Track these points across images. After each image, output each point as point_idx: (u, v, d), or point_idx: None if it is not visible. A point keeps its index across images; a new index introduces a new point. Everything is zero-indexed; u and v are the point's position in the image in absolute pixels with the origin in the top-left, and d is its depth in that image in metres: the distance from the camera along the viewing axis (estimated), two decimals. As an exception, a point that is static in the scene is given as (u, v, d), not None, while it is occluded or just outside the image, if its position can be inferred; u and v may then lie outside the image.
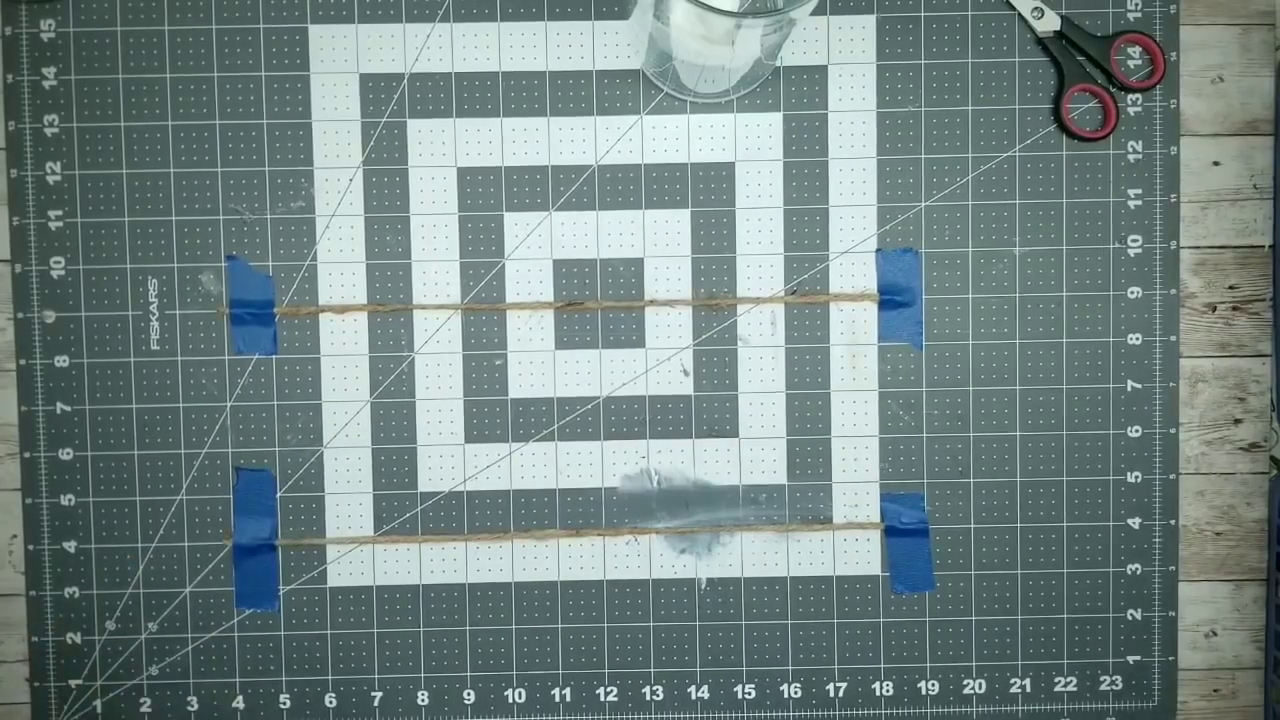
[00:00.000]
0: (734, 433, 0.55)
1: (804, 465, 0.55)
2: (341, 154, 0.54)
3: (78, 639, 0.54)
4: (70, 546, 0.54)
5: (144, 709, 0.55)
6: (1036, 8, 0.53)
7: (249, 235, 0.54)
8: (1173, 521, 0.55)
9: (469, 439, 0.55)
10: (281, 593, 0.55)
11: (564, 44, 0.54)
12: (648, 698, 0.55)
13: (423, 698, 0.55)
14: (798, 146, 0.54)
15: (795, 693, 0.55)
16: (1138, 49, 0.54)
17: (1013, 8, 0.54)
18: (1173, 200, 0.54)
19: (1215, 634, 0.56)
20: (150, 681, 0.55)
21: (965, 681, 0.55)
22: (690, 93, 0.53)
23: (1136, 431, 0.55)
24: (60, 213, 0.54)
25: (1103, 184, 0.54)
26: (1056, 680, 0.55)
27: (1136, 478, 0.55)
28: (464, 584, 0.55)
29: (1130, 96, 0.54)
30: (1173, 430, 0.55)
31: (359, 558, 0.55)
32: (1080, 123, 0.54)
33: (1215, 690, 0.56)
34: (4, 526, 0.55)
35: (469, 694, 0.55)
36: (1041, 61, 0.54)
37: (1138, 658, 0.55)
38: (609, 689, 0.55)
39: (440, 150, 0.54)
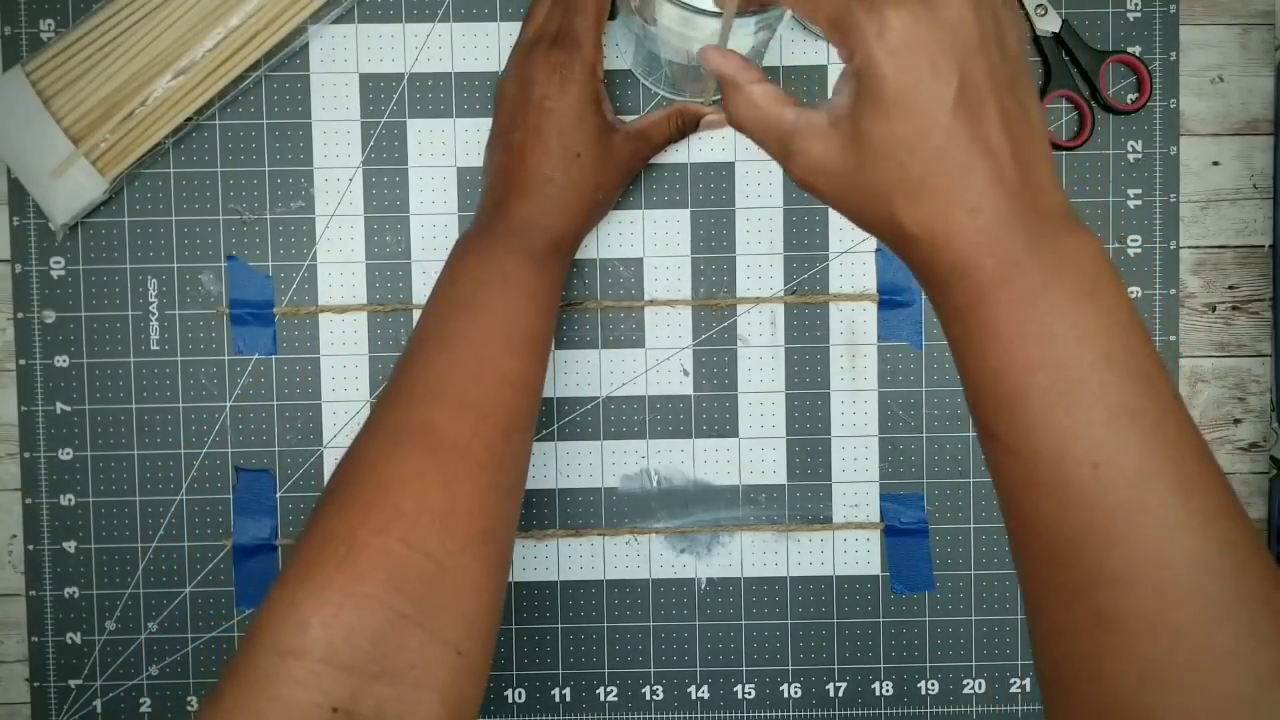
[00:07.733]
0: (734, 433, 0.55)
1: (804, 465, 0.55)
2: (341, 154, 0.54)
3: (78, 639, 0.54)
4: (70, 546, 0.54)
5: (144, 709, 0.55)
6: (1040, 4, 0.53)
7: (249, 235, 0.54)
8: (1172, 521, 0.55)
9: (469, 439, 0.54)
10: (281, 593, 0.54)
11: (564, 44, 0.54)
12: (648, 698, 0.55)
13: (422, 698, 0.55)
14: (797, 146, 0.54)
15: (795, 693, 0.55)
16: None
17: (1020, 5, 0.54)
18: (1172, 200, 0.54)
19: (1215, 634, 0.56)
20: (150, 681, 0.55)
21: (965, 681, 0.55)
22: (685, 94, 0.53)
23: (1136, 431, 0.55)
24: (60, 213, 0.54)
25: (1102, 184, 0.54)
26: (1056, 680, 0.55)
27: (1136, 478, 0.55)
28: (464, 584, 0.55)
29: (1130, 97, 0.54)
30: (1172, 430, 0.55)
31: (359, 558, 0.54)
32: (1054, 129, 0.54)
33: (1215, 690, 0.56)
34: (4, 526, 0.55)
35: (469, 694, 0.55)
36: (1032, 60, 0.54)
37: (1138, 658, 0.55)
38: (609, 689, 0.55)
39: (440, 150, 0.54)
